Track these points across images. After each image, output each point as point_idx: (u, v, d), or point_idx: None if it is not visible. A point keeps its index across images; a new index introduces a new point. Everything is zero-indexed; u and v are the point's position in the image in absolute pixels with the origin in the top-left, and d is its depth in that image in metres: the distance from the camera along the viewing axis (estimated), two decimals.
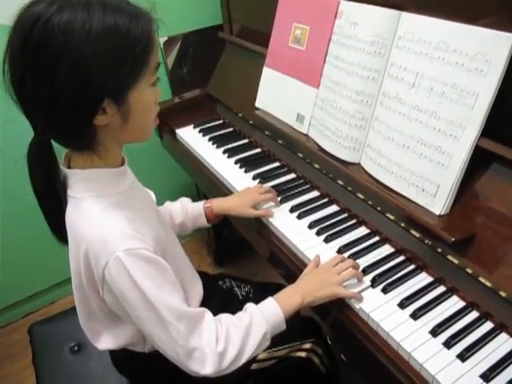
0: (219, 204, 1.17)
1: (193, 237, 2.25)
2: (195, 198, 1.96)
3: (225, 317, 0.86)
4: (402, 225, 0.99)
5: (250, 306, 0.89)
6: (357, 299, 0.90)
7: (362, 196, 1.10)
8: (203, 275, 1.14)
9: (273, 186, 1.28)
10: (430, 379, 0.76)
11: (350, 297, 0.90)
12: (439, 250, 0.92)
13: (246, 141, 1.55)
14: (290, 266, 1.05)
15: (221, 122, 1.69)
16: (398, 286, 0.93)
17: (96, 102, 0.69)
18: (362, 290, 0.92)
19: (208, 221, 1.17)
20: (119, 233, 0.74)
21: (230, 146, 1.53)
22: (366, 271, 0.97)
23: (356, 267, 0.95)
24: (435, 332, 0.83)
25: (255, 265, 1.97)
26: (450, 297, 0.90)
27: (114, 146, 0.79)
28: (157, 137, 1.78)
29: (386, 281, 0.94)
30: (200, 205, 1.17)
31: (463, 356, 0.78)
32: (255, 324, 0.84)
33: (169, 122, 1.70)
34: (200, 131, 1.63)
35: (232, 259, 2.12)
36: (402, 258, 1.01)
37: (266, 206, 1.19)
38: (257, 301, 0.90)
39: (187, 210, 1.16)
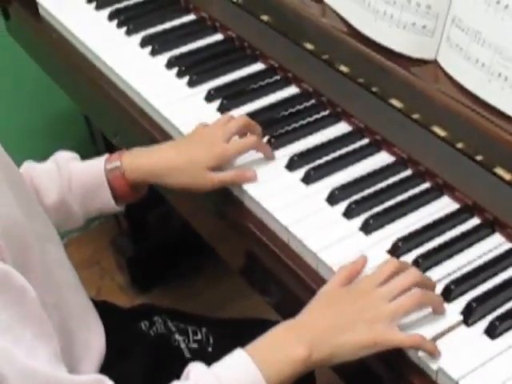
0: (139, 162, 1.18)
1: (83, 229, 2.25)
2: (89, 150, 1.99)
3: None
4: None
5: (194, 367, 0.91)
6: (426, 350, 0.91)
7: (441, 132, 1.12)
8: (107, 309, 1.16)
9: (253, 113, 1.28)
10: None
11: (411, 346, 0.92)
12: None
13: (190, 17, 1.56)
14: (288, 286, 1.06)
15: None
16: None
17: None
18: (444, 333, 0.93)
19: (117, 198, 1.18)
20: None
21: (154, 29, 1.54)
22: (451, 292, 0.98)
23: (430, 285, 0.97)
24: None
25: (219, 287, 2.00)
26: None
27: None
28: None
29: (494, 311, 0.96)
30: (98, 164, 1.17)
31: None
32: None
33: None
34: None
35: (167, 276, 2.15)
36: None
37: (241, 161, 1.19)
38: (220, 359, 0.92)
39: (70, 177, 1.16)
